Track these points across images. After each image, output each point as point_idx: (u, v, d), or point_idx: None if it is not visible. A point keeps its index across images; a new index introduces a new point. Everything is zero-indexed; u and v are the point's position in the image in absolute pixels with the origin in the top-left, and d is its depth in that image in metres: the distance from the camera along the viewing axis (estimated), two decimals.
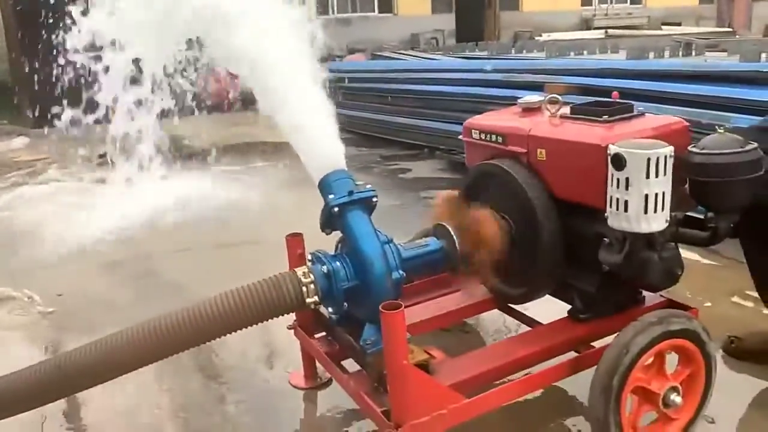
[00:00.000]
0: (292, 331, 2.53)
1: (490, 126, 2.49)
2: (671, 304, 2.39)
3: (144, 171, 6.23)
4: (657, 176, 1.87)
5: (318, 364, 2.58)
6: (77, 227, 4.80)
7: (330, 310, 2.16)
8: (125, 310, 3.43)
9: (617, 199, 1.93)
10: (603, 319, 2.31)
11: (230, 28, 2.30)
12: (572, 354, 2.24)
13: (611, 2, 20.16)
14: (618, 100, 2.27)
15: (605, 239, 2.12)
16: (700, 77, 4.49)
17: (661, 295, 2.43)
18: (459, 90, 6.49)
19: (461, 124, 2.61)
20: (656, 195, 1.89)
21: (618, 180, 1.91)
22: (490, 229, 2.26)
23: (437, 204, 2.45)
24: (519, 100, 2.52)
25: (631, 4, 20.40)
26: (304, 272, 2.09)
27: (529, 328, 2.52)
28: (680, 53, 6.55)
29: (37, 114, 9.44)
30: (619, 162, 1.89)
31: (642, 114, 2.22)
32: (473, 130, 2.57)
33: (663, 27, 18.39)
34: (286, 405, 2.57)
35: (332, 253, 2.21)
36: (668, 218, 1.94)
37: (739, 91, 4.09)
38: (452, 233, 2.27)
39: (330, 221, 2.17)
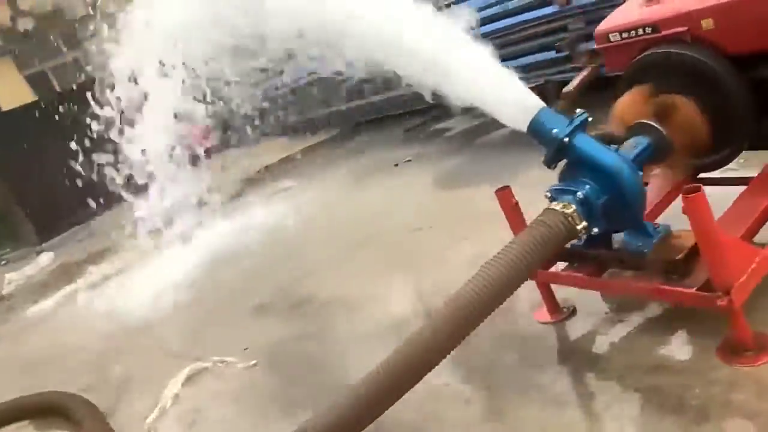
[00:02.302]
0: None
1: (632, 21, 2.63)
2: None
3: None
4: None
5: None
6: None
7: (595, 230, 2.29)
8: (313, 336, 3.56)
9: None
10: None
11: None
12: None
13: None
14: None
15: None
16: None
17: None
18: None
19: None
20: None
21: None
22: (688, 109, 2.42)
23: (618, 107, 2.59)
24: None
25: None
26: (563, 205, 2.23)
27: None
28: None
29: (41, 227, 9.43)
30: None
31: None
32: (610, 34, 2.72)
33: None
34: (549, 337, 2.72)
35: (563, 183, 2.35)
36: None
37: None
38: (657, 126, 2.43)
39: (558, 154, 2.31)
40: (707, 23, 2.40)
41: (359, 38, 2.50)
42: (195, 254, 5.85)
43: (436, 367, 2.07)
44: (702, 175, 2.74)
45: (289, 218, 5.89)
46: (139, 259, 6.34)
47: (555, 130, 2.26)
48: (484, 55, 2.40)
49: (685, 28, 2.46)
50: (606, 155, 2.25)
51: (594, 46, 5.28)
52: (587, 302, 2.78)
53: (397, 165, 6.09)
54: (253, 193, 7.45)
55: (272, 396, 3.20)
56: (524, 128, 2.36)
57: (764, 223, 2.33)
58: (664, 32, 2.52)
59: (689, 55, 2.44)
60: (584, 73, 5.54)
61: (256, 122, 8.76)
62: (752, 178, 2.59)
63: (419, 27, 2.42)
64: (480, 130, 6.01)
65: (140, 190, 6.69)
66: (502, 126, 5.49)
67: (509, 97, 2.38)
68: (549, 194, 2.34)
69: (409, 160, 6.08)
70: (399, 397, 2.04)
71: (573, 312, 2.77)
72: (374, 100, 7.68)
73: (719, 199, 2.66)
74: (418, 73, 2.47)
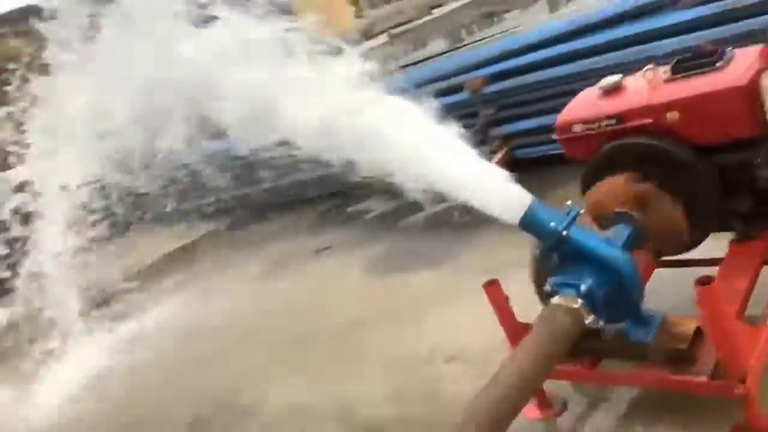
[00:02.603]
0: None
1: (595, 113, 2.71)
2: None
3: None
4: None
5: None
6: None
7: (601, 322, 2.25)
8: None
9: None
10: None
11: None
12: None
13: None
14: (711, 49, 2.60)
15: (757, 161, 2.45)
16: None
17: None
18: None
19: None
20: None
21: None
22: (661, 197, 2.50)
23: (593, 197, 2.63)
24: (601, 83, 2.78)
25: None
26: (569, 300, 2.18)
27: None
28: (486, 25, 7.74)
29: None
30: None
31: (732, 52, 2.57)
32: (573, 125, 2.78)
33: (433, 11, 19.94)
34: None
35: (562, 276, 2.30)
36: None
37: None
38: (635, 214, 2.48)
39: (555, 247, 2.27)
40: (672, 116, 2.51)
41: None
42: (96, 363, 5.27)
43: None
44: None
45: (204, 317, 5.50)
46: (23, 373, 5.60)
47: (553, 224, 2.23)
48: (470, 149, 2.36)
49: (651, 120, 2.56)
50: (604, 247, 2.25)
51: (504, 131, 5.64)
52: (575, 395, 2.73)
53: (318, 251, 5.91)
54: (153, 288, 6.91)
55: None
56: (515, 221, 2.31)
57: (748, 302, 2.40)
58: (629, 123, 2.61)
59: (656, 145, 2.54)
60: (498, 156, 5.77)
61: (147, 208, 8.38)
62: (713, 259, 2.70)
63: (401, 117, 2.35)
64: (400, 212, 5.99)
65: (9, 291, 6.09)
66: (422, 209, 5.61)
67: (498, 191, 2.33)
68: (549, 288, 2.28)
69: (329, 247, 5.93)
70: None
71: (563, 408, 2.69)
72: (282, 184, 7.54)
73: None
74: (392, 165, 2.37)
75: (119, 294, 6.70)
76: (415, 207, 5.86)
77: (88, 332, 5.80)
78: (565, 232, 2.22)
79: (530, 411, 2.70)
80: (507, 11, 10.46)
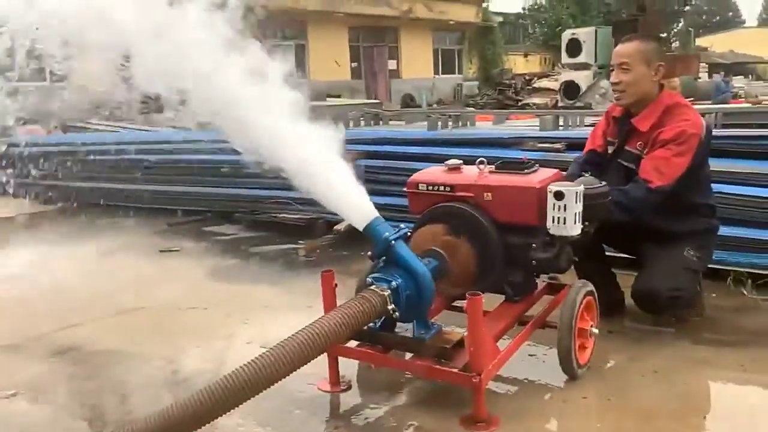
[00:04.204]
0: None
1: (437, 180, 3.60)
2: (552, 285, 3.84)
3: None
4: (578, 203, 3.26)
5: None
6: None
7: (397, 314, 3.00)
8: (85, 377, 3.57)
9: (558, 218, 3.26)
10: (527, 297, 3.63)
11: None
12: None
13: None
14: (526, 160, 3.62)
15: (533, 244, 3.43)
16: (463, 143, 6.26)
17: (543, 281, 3.86)
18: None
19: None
20: (577, 213, 3.27)
21: (559, 206, 3.24)
22: (465, 251, 3.38)
23: (418, 235, 3.46)
24: (447, 162, 3.71)
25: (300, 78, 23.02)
26: (381, 289, 2.93)
27: None
28: (372, 123, 8.92)
29: None
30: (560, 195, 3.22)
31: (538, 168, 3.60)
32: (420, 184, 3.66)
33: (327, 98, 21.39)
34: (333, 402, 3.29)
35: (381, 274, 3.06)
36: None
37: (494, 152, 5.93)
38: (443, 253, 3.34)
39: (383, 252, 3.04)
40: (488, 195, 3.46)
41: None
42: None
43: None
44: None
45: (39, 274, 5.59)
46: None
47: (386, 234, 3.01)
48: (345, 167, 3.13)
49: (472, 194, 3.49)
50: (417, 262, 3.05)
51: None
52: (361, 381, 3.44)
53: (163, 251, 6.28)
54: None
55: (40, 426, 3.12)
56: (361, 227, 3.06)
57: (506, 332, 3.30)
58: (457, 193, 3.52)
59: (472, 213, 3.44)
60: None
61: None
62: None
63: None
64: (252, 241, 6.57)
65: None
66: (276, 243, 6.24)
67: (355, 202, 3.10)
68: (369, 281, 3.02)
69: (177, 250, 6.32)
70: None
71: (349, 387, 3.38)
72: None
73: None
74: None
75: None
76: (265, 241, 6.50)
77: None
78: (393, 243, 3.01)
79: (323, 384, 3.36)
80: (391, 120, 11.80)
